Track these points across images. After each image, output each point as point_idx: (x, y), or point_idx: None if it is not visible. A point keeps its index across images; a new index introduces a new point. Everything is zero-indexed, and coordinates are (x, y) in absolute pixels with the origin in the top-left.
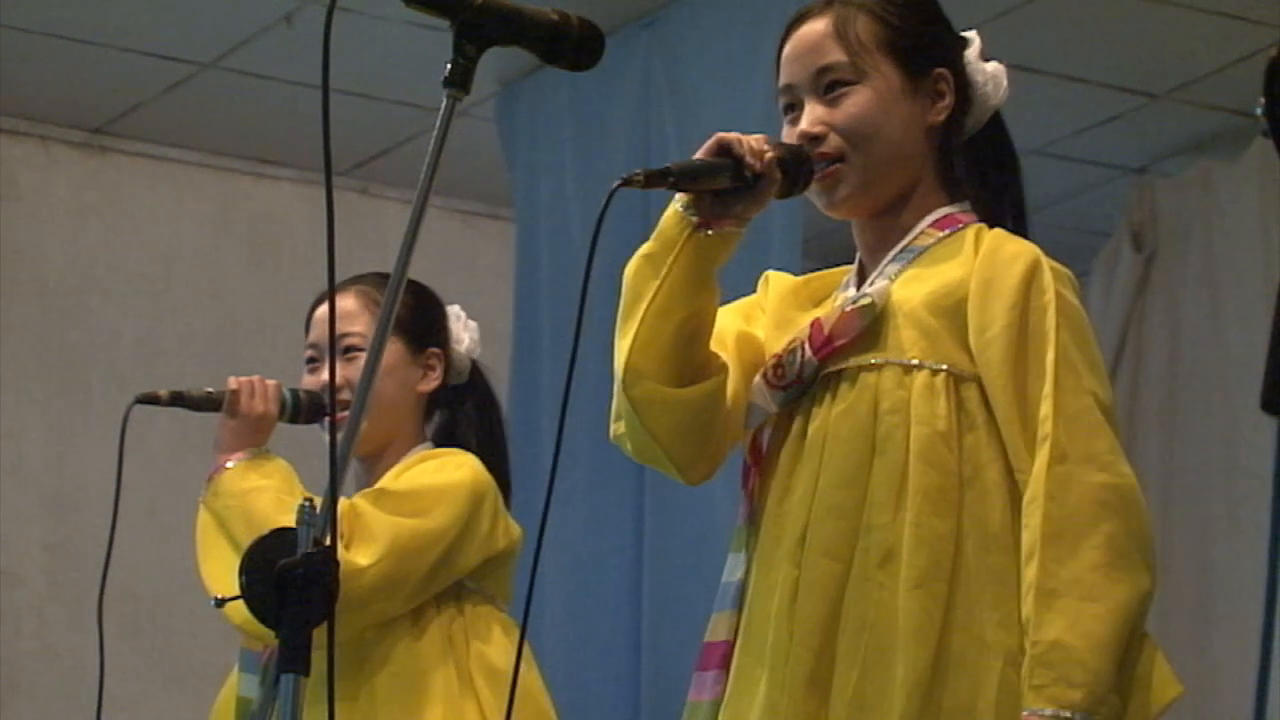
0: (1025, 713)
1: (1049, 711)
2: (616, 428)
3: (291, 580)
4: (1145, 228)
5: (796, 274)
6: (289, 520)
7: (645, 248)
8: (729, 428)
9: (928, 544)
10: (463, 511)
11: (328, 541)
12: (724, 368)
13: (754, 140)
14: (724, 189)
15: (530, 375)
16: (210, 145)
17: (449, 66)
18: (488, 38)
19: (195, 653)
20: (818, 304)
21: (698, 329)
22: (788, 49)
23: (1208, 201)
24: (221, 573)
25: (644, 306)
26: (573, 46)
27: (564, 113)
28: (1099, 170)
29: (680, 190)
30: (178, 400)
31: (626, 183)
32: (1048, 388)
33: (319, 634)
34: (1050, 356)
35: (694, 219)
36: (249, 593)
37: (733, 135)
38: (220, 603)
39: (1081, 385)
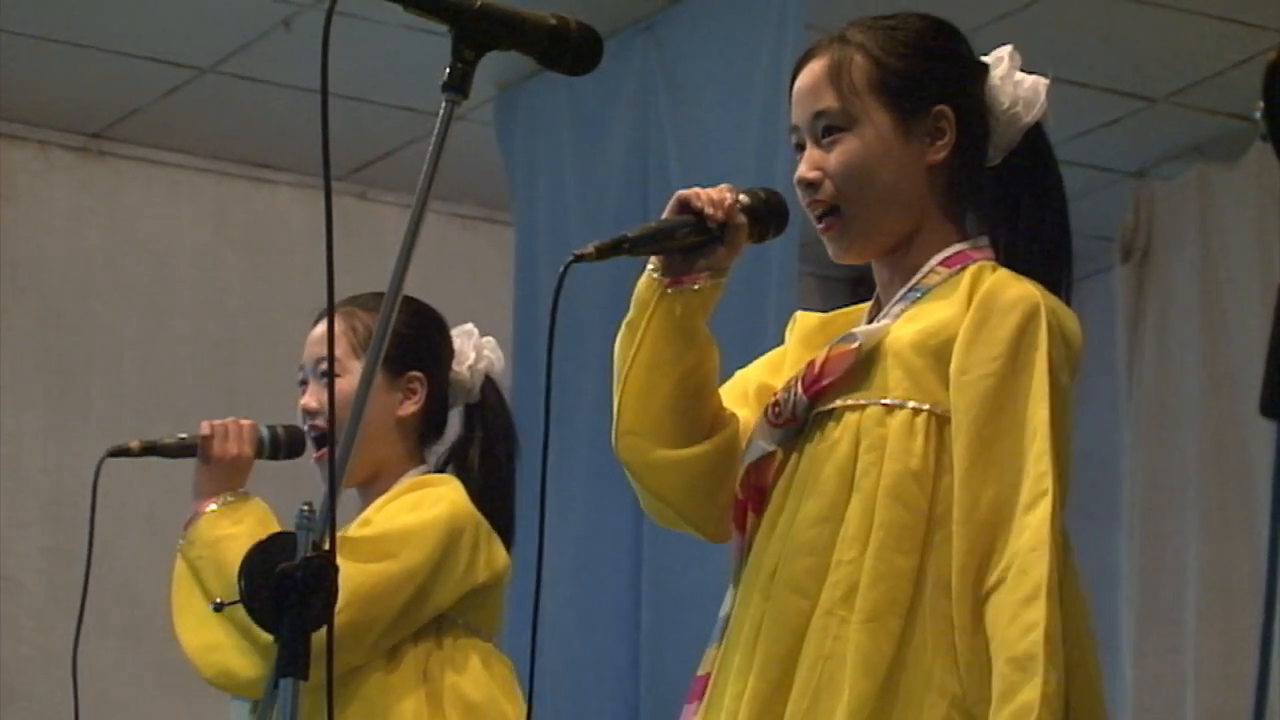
0: None
1: None
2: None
3: (290, 584)
4: (1141, 233)
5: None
6: None
7: (627, 316)
8: None
9: (886, 579)
10: (435, 550)
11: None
12: (734, 423)
13: (714, 191)
14: (691, 244)
15: (530, 380)
16: (209, 150)
17: (447, 71)
18: (486, 42)
19: None
20: None
21: (699, 387)
22: (795, 87)
23: (1206, 205)
24: (195, 626)
25: (625, 371)
26: (571, 50)
27: (563, 116)
28: (1097, 174)
29: (639, 255)
30: (150, 450)
31: (579, 258)
32: (1045, 444)
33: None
34: (1044, 414)
35: (663, 279)
36: (248, 597)
37: (691, 191)
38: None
39: (1066, 454)
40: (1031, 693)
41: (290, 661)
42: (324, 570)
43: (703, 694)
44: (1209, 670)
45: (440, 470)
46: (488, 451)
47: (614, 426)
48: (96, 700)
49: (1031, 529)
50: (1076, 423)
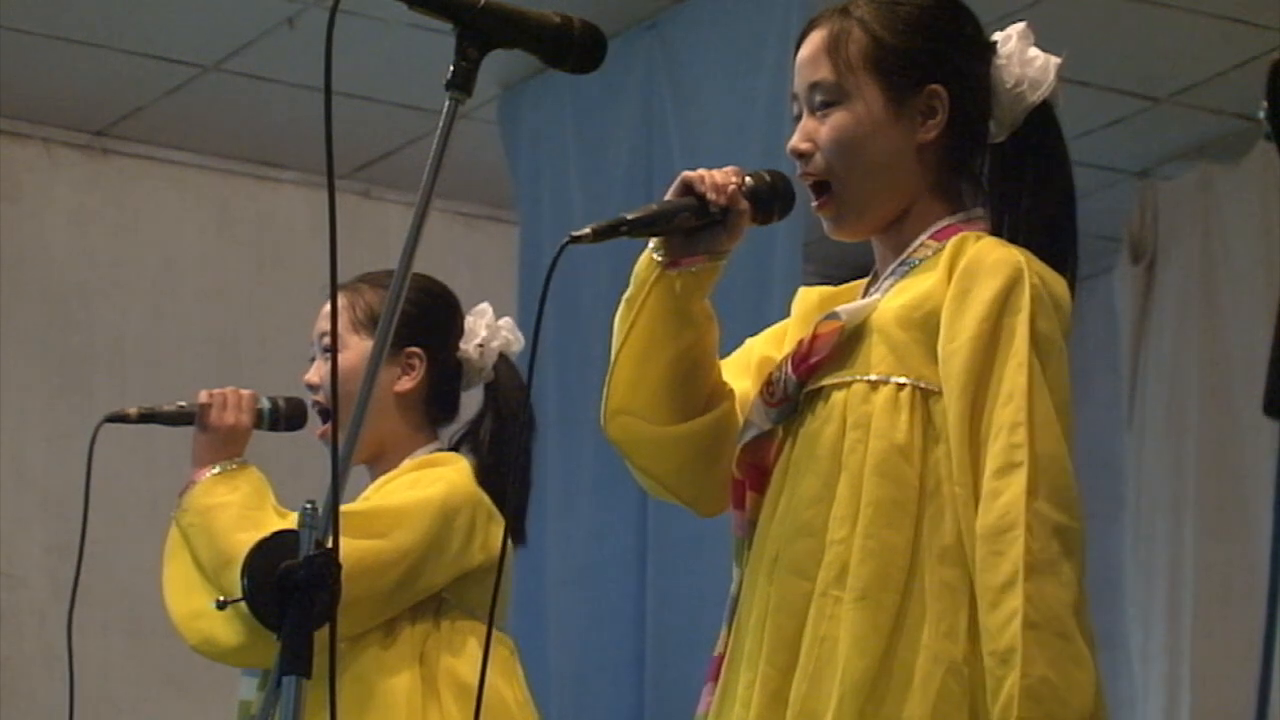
0: None
1: None
2: None
3: (293, 583)
4: (1146, 233)
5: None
6: (250, 536)
7: (626, 292)
8: None
9: (876, 556)
10: (428, 530)
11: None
12: (730, 398)
13: (719, 174)
14: (693, 226)
15: (535, 376)
16: (212, 148)
17: (451, 69)
18: (490, 40)
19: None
20: None
21: (693, 366)
22: (797, 56)
23: (1209, 205)
24: (182, 593)
25: (619, 348)
26: (575, 49)
27: (566, 115)
28: (1101, 174)
29: (637, 237)
30: (148, 417)
31: (575, 240)
32: (1021, 415)
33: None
34: (1023, 381)
35: (661, 259)
36: (251, 595)
37: (696, 173)
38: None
39: (1050, 418)
40: (1012, 687)
41: (293, 660)
42: (327, 569)
43: (716, 675)
44: (1209, 670)
45: (454, 449)
46: (499, 431)
47: (603, 406)
48: (98, 699)
49: (1005, 505)
50: (1078, 423)
